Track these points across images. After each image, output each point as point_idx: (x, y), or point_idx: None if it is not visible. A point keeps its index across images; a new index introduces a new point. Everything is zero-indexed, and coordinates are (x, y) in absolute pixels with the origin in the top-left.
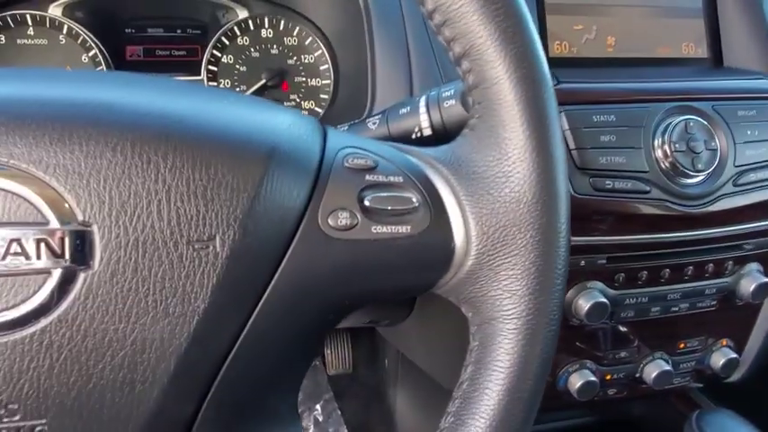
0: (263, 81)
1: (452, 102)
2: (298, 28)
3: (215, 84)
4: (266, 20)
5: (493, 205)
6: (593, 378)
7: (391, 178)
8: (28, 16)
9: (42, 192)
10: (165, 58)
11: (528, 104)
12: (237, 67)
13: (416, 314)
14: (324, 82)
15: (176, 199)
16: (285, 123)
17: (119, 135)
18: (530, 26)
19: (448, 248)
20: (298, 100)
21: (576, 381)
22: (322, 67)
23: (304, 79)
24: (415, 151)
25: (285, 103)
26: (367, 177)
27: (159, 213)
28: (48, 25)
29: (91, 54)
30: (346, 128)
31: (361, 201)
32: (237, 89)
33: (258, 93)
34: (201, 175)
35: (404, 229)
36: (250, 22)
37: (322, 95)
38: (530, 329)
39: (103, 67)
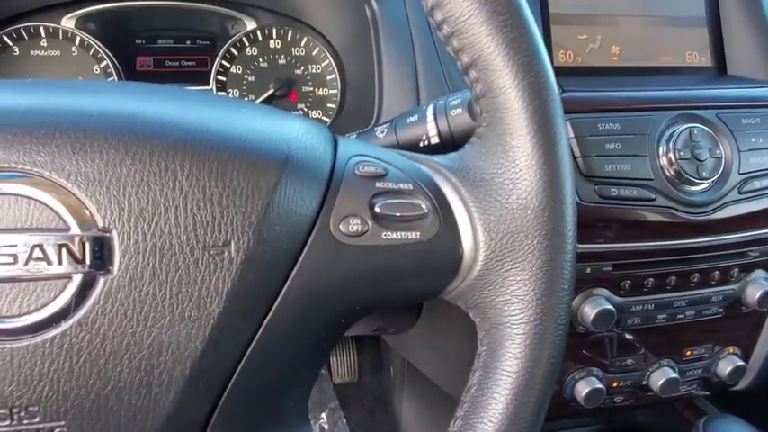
0: (271, 91)
1: (459, 110)
2: (305, 38)
3: (224, 93)
4: (274, 31)
5: (500, 212)
6: (599, 385)
7: (401, 185)
8: (41, 28)
9: (64, 199)
10: (175, 69)
11: (534, 113)
12: (246, 77)
13: (423, 322)
14: (331, 91)
15: (193, 206)
16: (298, 132)
17: (138, 144)
18: (536, 36)
19: (456, 254)
20: (305, 109)
21: (583, 388)
22: (329, 77)
23: (311, 89)
24: (424, 159)
25: (292, 113)
26: (377, 185)
27: (176, 220)
28: (60, 37)
29: (102, 65)
30: (354, 136)
31: (371, 207)
32: (246, 99)
33: (266, 102)
34: (217, 182)
35: (413, 236)
36: (258, 32)
37: (329, 105)
38: (538, 334)
39: (114, 77)
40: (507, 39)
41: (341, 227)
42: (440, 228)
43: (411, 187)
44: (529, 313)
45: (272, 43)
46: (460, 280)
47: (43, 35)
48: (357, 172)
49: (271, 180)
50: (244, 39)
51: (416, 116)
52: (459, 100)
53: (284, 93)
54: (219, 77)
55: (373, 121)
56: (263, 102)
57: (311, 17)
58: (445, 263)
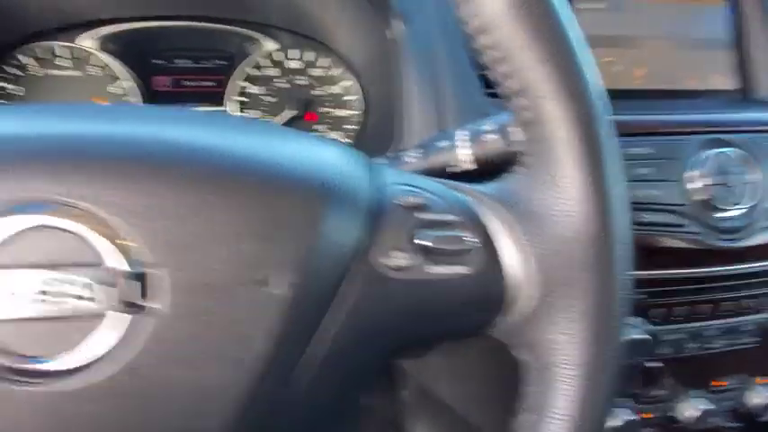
0: (294, 112)
1: (493, 136)
2: (325, 59)
3: (242, 114)
4: (294, 51)
5: (553, 245)
6: (629, 417)
7: (444, 216)
8: (60, 48)
9: (102, 232)
10: (193, 89)
11: (588, 143)
12: (265, 97)
13: (441, 345)
14: (351, 112)
15: (235, 240)
16: (337, 160)
17: (179, 175)
18: (589, 64)
19: (505, 289)
20: (325, 130)
21: (611, 421)
22: (349, 98)
23: (331, 110)
24: (465, 188)
25: (326, 138)
26: (419, 216)
27: (219, 255)
28: (79, 56)
29: (120, 85)
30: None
31: (414, 240)
32: (265, 119)
33: (286, 123)
34: (260, 215)
35: (459, 270)
36: (278, 53)
37: (349, 126)
38: (594, 376)
39: (131, 97)
40: (559, 66)
41: (383, 260)
42: (487, 261)
43: (454, 218)
44: (584, 353)
45: (291, 64)
46: (509, 316)
47: (60, 54)
48: (397, 202)
49: (314, 212)
50: (263, 59)
51: (447, 141)
52: (493, 125)
53: (303, 113)
54: (239, 98)
55: (394, 145)
56: (286, 124)
57: (332, 38)
58: (493, 298)
